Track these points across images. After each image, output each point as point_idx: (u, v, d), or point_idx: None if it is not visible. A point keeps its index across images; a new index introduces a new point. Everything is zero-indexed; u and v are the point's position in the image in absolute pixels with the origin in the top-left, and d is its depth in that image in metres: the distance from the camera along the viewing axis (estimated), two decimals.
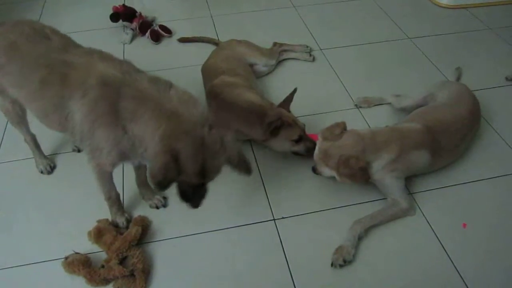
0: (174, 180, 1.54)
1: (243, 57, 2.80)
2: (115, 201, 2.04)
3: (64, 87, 1.65)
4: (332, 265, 1.91)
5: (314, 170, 2.19)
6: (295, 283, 1.86)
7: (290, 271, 1.90)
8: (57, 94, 1.67)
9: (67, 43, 1.85)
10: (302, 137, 2.24)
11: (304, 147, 2.25)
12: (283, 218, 2.11)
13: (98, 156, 1.72)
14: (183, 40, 3.33)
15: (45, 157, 2.38)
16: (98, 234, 1.95)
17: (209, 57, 2.83)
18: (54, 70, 1.69)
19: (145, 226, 2.02)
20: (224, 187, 2.23)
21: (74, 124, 1.67)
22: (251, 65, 2.83)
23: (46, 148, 2.43)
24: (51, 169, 2.38)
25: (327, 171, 2.10)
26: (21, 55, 1.76)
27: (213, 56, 2.79)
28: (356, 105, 2.74)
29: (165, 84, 1.65)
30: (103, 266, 1.84)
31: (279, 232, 2.05)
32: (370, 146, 2.02)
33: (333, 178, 2.10)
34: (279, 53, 3.04)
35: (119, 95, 1.57)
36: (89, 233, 1.97)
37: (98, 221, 2.01)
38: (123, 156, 1.70)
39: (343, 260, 1.90)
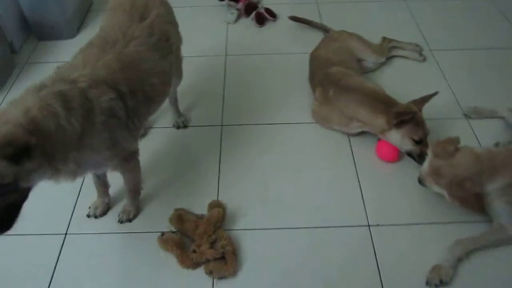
0: None
1: (353, 51, 2.72)
2: (139, 192, 2.07)
3: None
4: (427, 283, 1.82)
5: (421, 181, 2.09)
6: None
7: (381, 283, 1.84)
8: None
9: None
10: (423, 141, 2.17)
11: (419, 151, 2.18)
12: (378, 226, 2.04)
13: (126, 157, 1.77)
14: (294, 19, 3.26)
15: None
16: (179, 220, 1.99)
17: (318, 46, 2.78)
18: None
19: (223, 209, 2.01)
20: (317, 185, 2.21)
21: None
22: (359, 60, 2.74)
23: None
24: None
25: (435, 188, 2.00)
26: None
27: (323, 46, 2.74)
28: (465, 114, 2.57)
29: None
30: (194, 251, 1.87)
31: (373, 240, 1.98)
32: (487, 169, 1.88)
33: (438, 193, 2.00)
34: (388, 50, 2.91)
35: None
36: (171, 220, 2.01)
37: (176, 209, 2.05)
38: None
39: (439, 280, 1.81)
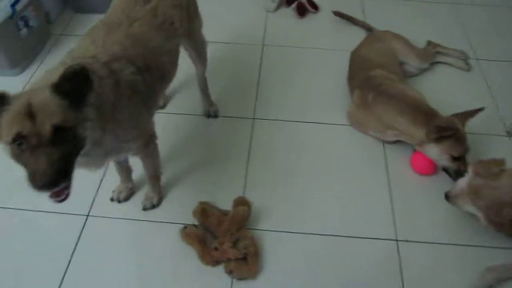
0: None
1: (396, 53, 2.61)
2: (159, 178, 2.02)
3: None
4: None
5: (447, 197, 1.99)
6: None
7: None
8: None
9: None
10: (462, 157, 2.07)
11: (456, 168, 2.08)
12: (407, 241, 1.96)
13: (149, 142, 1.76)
14: (337, 14, 3.14)
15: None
16: (203, 214, 1.94)
17: (360, 44, 2.68)
18: None
19: (249, 208, 1.96)
20: (345, 191, 2.14)
21: None
22: (401, 64, 2.63)
23: None
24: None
25: (469, 208, 1.89)
26: None
27: (365, 45, 2.64)
28: (508, 132, 2.45)
29: None
30: (216, 249, 1.83)
31: (400, 256, 1.91)
32: None
33: (469, 213, 1.91)
34: (433, 55, 2.78)
35: None
36: (194, 213, 1.96)
37: (201, 203, 1.99)
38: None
39: None
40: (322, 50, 2.94)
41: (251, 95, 2.60)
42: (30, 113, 1.18)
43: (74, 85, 1.25)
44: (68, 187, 1.28)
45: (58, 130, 1.20)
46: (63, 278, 1.81)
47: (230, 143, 2.35)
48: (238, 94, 2.62)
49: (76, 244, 1.91)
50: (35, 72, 2.73)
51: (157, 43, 1.75)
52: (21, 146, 1.19)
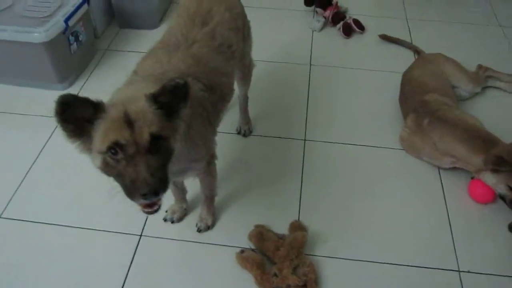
0: None
1: (448, 77, 2.56)
2: (214, 199, 2.00)
3: None
4: None
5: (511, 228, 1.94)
6: None
7: None
8: None
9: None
10: None
11: None
12: (470, 272, 1.89)
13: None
14: (384, 37, 3.13)
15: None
16: (260, 238, 1.90)
17: (412, 66, 2.64)
18: None
19: (306, 233, 1.92)
20: (402, 218, 2.09)
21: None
22: (453, 87, 2.57)
23: None
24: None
25: None
26: None
27: (417, 68, 2.60)
28: None
29: None
30: (276, 275, 1.78)
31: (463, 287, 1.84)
32: None
33: None
34: (484, 80, 2.73)
35: None
36: (250, 236, 1.92)
37: (257, 226, 1.96)
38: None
39: None
40: (369, 71, 2.90)
41: (301, 115, 2.57)
42: (128, 121, 1.15)
43: (172, 98, 1.22)
44: (160, 198, 1.25)
45: (154, 139, 1.18)
46: None
47: (282, 164, 2.31)
48: (288, 114, 2.59)
49: (131, 264, 1.88)
50: (82, 86, 2.75)
51: (216, 64, 1.74)
52: (115, 155, 1.16)
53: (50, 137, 2.38)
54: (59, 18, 2.54)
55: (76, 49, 2.74)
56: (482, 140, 2.09)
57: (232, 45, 1.84)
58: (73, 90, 2.72)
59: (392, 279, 1.86)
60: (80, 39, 2.76)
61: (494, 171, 2.01)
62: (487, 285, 1.86)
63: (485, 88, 2.77)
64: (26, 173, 2.21)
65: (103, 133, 1.16)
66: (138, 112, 1.17)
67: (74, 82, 2.78)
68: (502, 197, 2.08)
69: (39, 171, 2.24)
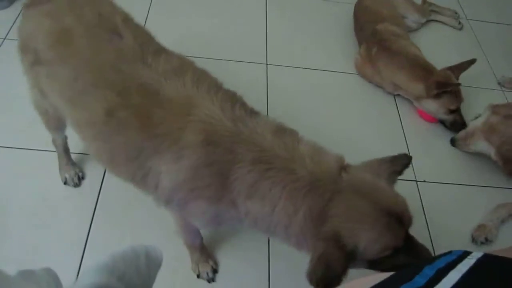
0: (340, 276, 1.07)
1: (397, 6, 2.67)
2: (197, 248, 1.63)
3: (143, 135, 1.15)
4: (473, 240, 1.89)
5: (454, 142, 2.16)
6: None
7: (430, 238, 1.87)
8: (132, 142, 1.17)
9: (144, 44, 1.26)
10: (458, 109, 2.19)
11: (453, 119, 2.20)
12: (425, 182, 2.06)
13: (186, 218, 1.38)
14: None
15: (73, 164, 1.84)
16: None
17: None
18: (128, 101, 1.16)
19: None
20: (362, 137, 2.20)
21: (159, 187, 1.21)
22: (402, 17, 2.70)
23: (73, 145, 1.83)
24: (79, 180, 1.83)
25: (481, 145, 2.05)
26: (77, 56, 1.23)
27: None
28: (499, 83, 2.61)
29: (293, 138, 1.19)
30: None
31: (421, 195, 2.00)
32: None
33: (476, 155, 2.09)
34: (429, 12, 2.88)
35: (231, 159, 1.12)
36: None
37: None
38: (220, 223, 1.33)
39: (485, 238, 1.87)
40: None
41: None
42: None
43: None
44: None
45: None
46: None
47: None
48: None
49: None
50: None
51: None
52: None
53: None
54: None
55: None
56: (421, 68, 2.21)
57: None
58: (14, 9, 2.44)
59: None
60: None
61: (436, 96, 2.15)
62: (440, 192, 2.04)
63: (428, 21, 2.92)
64: None
65: None
66: None
67: (14, 1, 2.50)
68: (442, 122, 2.25)
69: None
